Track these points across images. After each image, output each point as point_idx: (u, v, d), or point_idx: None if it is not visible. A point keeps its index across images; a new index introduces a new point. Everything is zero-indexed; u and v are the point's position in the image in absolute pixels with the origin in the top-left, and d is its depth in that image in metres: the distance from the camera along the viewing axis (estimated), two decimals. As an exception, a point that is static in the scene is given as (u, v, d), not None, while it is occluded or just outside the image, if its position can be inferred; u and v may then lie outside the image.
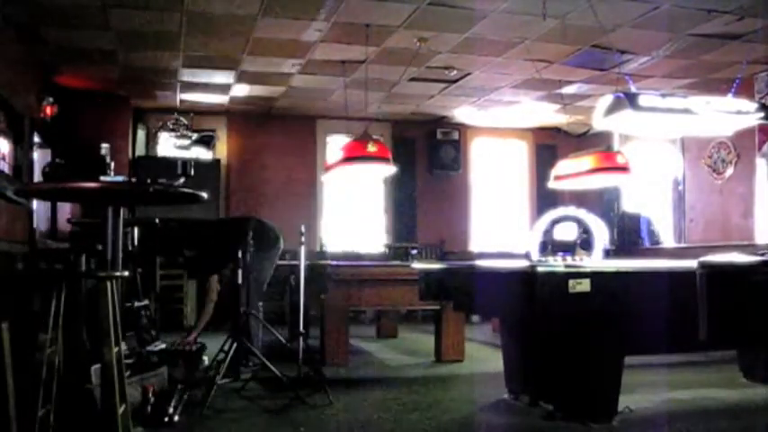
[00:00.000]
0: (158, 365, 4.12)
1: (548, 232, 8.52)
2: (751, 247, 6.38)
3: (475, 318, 8.47)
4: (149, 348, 4.69)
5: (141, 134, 9.46)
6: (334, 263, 6.00)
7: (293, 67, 7.67)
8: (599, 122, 5.54)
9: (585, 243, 7.78)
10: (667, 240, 9.10)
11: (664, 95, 5.39)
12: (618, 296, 3.57)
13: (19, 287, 3.44)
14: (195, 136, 9.41)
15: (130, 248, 5.33)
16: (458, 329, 5.78)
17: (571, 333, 3.55)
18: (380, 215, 10.47)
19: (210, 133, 9.72)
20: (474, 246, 10.58)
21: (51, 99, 7.16)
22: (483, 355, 5.98)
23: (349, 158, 7.19)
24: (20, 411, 2.65)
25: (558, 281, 3.45)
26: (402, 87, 8.46)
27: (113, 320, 2.75)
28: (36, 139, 6.95)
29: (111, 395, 2.69)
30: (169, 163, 8.88)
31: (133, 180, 3.28)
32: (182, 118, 9.24)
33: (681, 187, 9.03)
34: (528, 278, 3.54)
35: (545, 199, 9.94)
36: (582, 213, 8.33)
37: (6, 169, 6.12)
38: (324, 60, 7.35)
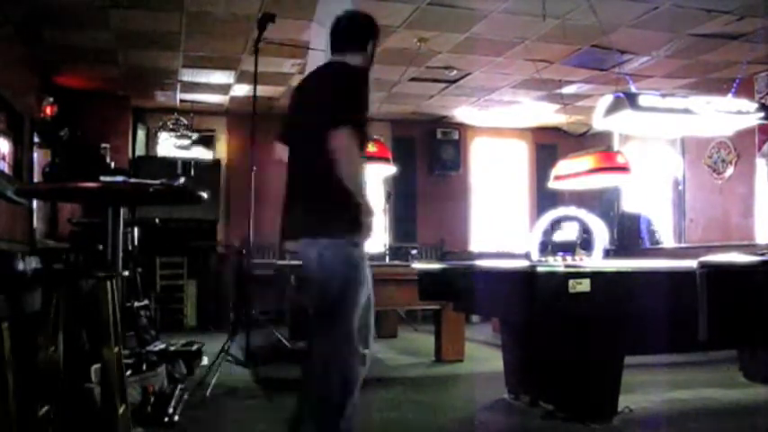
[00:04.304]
0: (158, 365, 4.12)
1: (548, 232, 8.52)
2: (751, 247, 6.38)
3: (475, 318, 8.47)
4: (149, 348, 4.69)
5: (141, 134, 9.45)
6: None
7: (293, 67, 7.67)
8: (599, 122, 5.54)
9: (585, 243, 7.78)
10: (667, 240, 9.09)
11: (664, 95, 5.39)
12: (618, 296, 3.57)
13: (19, 287, 3.44)
14: (195, 136, 9.43)
15: (130, 248, 5.33)
16: (458, 329, 5.77)
17: (571, 333, 3.55)
18: (380, 215, 10.48)
19: (210, 134, 9.74)
20: (474, 246, 10.57)
21: (51, 99, 7.16)
22: (483, 355, 5.97)
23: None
24: (20, 411, 2.65)
25: (558, 281, 3.45)
26: (402, 87, 8.46)
27: (113, 320, 2.75)
28: (36, 139, 6.96)
29: (111, 395, 2.69)
30: (169, 163, 8.92)
31: (133, 180, 3.27)
32: (182, 118, 9.25)
33: (681, 187, 9.03)
34: (528, 278, 3.54)
35: (545, 199, 9.94)
36: (582, 213, 8.33)
37: (6, 169, 6.13)
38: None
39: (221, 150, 9.85)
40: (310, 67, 4.54)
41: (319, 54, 4.29)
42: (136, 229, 5.67)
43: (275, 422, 3.78)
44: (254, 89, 4.84)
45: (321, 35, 4.28)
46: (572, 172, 7.56)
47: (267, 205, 9.71)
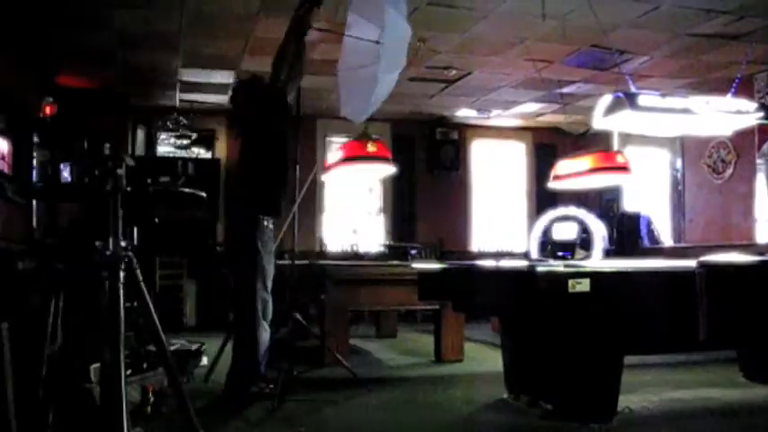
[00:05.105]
0: (157, 365, 4.11)
1: (547, 232, 8.53)
2: (751, 248, 6.38)
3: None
4: (149, 348, 4.68)
5: (141, 134, 9.45)
6: (334, 263, 6.00)
7: (293, 67, 7.66)
8: (598, 122, 5.54)
9: (585, 243, 7.79)
10: (667, 240, 9.10)
11: (663, 95, 5.39)
12: (617, 296, 3.58)
13: (19, 287, 3.44)
14: (194, 135, 9.43)
15: (130, 248, 5.31)
16: (457, 329, 5.78)
17: (570, 333, 3.55)
18: (380, 215, 10.48)
19: (210, 133, 9.73)
20: (473, 245, 10.58)
21: (51, 99, 7.16)
22: (482, 355, 5.98)
23: (349, 158, 7.19)
24: (19, 411, 2.65)
25: (558, 280, 3.46)
26: (402, 87, 8.40)
27: (113, 320, 2.74)
28: (36, 139, 6.95)
29: (111, 395, 2.68)
30: (169, 163, 8.92)
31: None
32: (181, 118, 9.25)
33: (680, 187, 9.03)
34: (527, 278, 3.54)
35: (544, 199, 9.93)
36: (581, 213, 8.34)
37: (6, 169, 6.13)
38: (324, 60, 7.35)
39: (221, 150, 9.85)
40: (345, 56, 4.55)
41: (354, 42, 4.31)
42: (135, 229, 5.66)
43: (274, 421, 3.79)
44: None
45: (358, 24, 4.30)
46: (571, 172, 7.56)
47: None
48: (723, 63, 7.28)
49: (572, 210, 8.54)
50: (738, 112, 5.50)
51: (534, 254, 8.52)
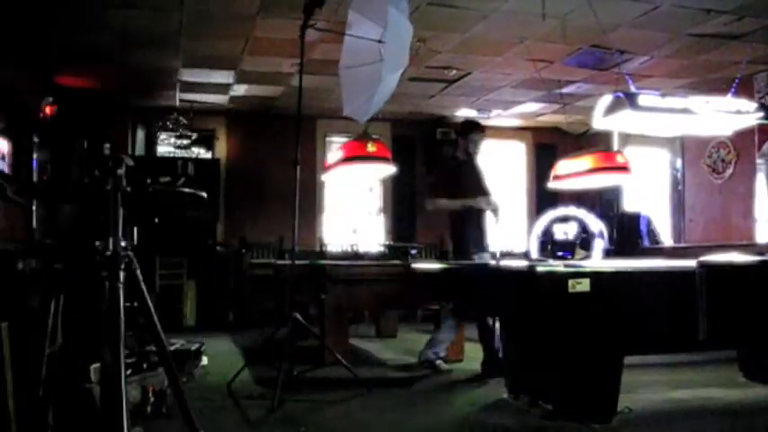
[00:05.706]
0: (157, 365, 4.11)
1: (547, 232, 8.54)
2: (751, 248, 6.38)
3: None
4: (149, 348, 4.68)
5: (141, 134, 9.46)
6: (334, 263, 5.99)
7: (293, 67, 7.66)
8: (598, 122, 5.54)
9: (585, 243, 7.79)
10: (667, 240, 9.10)
11: (663, 95, 5.40)
12: (617, 296, 3.57)
13: (19, 287, 3.44)
14: (194, 135, 9.44)
15: (129, 248, 5.31)
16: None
17: (570, 333, 3.55)
18: (380, 215, 10.48)
19: (210, 133, 9.74)
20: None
21: (51, 99, 7.16)
22: (482, 355, 5.97)
23: (349, 158, 7.19)
24: (19, 410, 2.65)
25: (558, 280, 3.45)
26: (402, 87, 8.37)
27: (113, 320, 2.74)
28: (36, 139, 6.96)
29: (111, 395, 2.68)
30: (169, 163, 8.93)
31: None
32: (181, 118, 9.25)
33: (680, 187, 9.03)
34: (527, 278, 3.54)
35: (545, 198, 9.93)
36: (581, 213, 8.35)
37: (6, 169, 6.13)
38: (324, 60, 7.35)
39: (221, 150, 9.86)
40: (346, 54, 4.53)
41: (355, 41, 4.30)
42: (135, 229, 5.66)
43: (274, 421, 3.79)
44: (300, 72, 4.63)
45: (359, 23, 4.29)
46: (571, 172, 7.57)
47: (267, 205, 9.72)
48: (723, 63, 7.28)
49: (572, 210, 8.55)
50: (738, 112, 5.51)
51: (534, 254, 8.53)
